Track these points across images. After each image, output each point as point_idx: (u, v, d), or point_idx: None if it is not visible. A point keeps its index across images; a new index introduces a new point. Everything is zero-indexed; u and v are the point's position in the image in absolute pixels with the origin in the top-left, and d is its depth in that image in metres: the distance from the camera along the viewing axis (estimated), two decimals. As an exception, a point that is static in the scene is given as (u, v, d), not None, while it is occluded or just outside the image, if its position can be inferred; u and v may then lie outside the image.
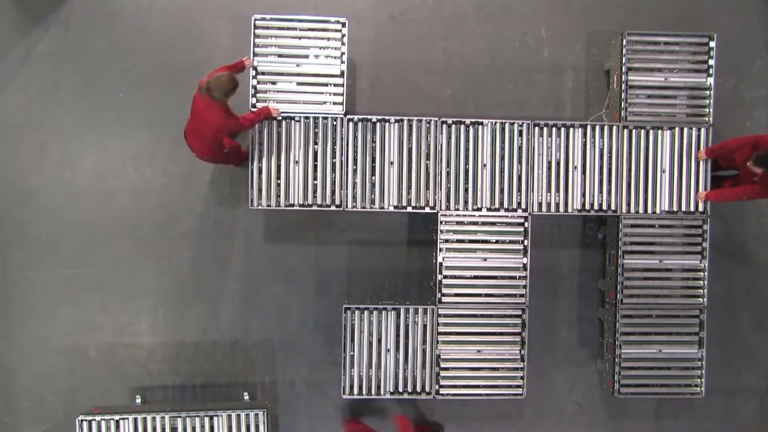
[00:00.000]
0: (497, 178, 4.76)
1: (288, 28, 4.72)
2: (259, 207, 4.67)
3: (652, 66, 4.86)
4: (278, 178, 4.68)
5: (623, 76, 4.82)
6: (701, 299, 4.89)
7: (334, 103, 4.72)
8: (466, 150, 4.75)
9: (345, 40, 4.70)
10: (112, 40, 5.17)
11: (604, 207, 4.83)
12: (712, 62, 4.85)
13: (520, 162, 4.78)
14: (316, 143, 4.69)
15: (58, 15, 5.12)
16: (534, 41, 5.30)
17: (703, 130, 4.85)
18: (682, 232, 4.90)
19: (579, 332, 5.35)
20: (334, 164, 4.70)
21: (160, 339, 5.21)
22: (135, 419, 4.70)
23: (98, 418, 4.70)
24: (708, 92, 4.87)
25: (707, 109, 4.87)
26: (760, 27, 5.43)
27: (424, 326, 4.78)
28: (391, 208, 4.72)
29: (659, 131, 4.84)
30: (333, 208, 4.71)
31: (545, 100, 5.33)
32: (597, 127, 4.82)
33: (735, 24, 5.42)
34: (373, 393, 4.76)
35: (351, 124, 4.69)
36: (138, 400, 5.09)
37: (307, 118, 4.67)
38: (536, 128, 4.78)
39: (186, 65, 5.18)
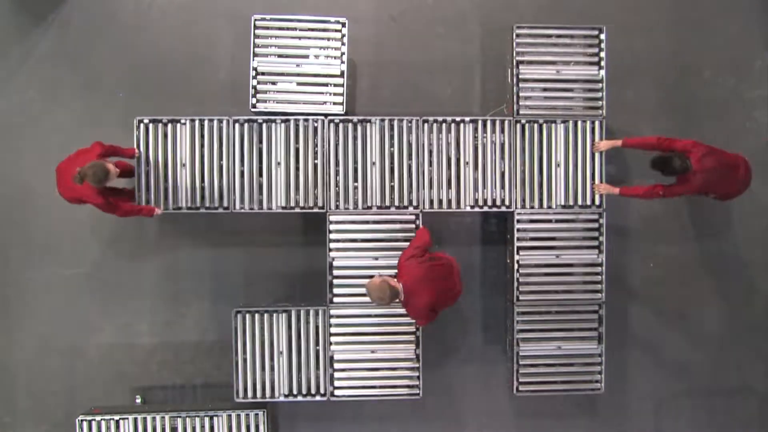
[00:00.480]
0: (387, 176, 4.71)
1: (288, 29, 4.71)
2: (147, 210, 4.64)
3: (544, 59, 4.80)
4: (165, 180, 4.65)
5: (514, 70, 4.77)
6: (600, 294, 4.81)
7: (334, 103, 4.70)
8: (355, 148, 4.70)
9: (345, 40, 4.68)
10: (112, 40, 5.18)
11: (498, 203, 4.78)
12: (603, 54, 4.78)
13: (410, 159, 4.73)
14: (202, 146, 4.66)
15: (58, 15, 5.13)
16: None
17: (597, 123, 4.79)
18: (580, 226, 4.83)
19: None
20: (221, 166, 4.67)
21: (160, 339, 5.20)
22: (135, 419, 4.74)
23: (98, 418, 4.73)
24: (600, 85, 4.80)
25: (600, 102, 4.81)
26: (760, 27, 5.40)
27: (317, 327, 4.73)
28: (279, 209, 4.69)
29: (553, 125, 4.78)
30: (221, 210, 4.68)
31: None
32: (489, 122, 4.76)
33: (735, 24, 5.38)
34: (267, 396, 4.71)
35: (237, 125, 4.66)
36: (138, 401, 5.11)
37: (192, 120, 4.64)
38: (425, 124, 4.73)
39: (186, 65, 5.19)
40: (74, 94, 5.16)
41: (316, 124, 4.68)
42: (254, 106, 4.68)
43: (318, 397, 4.73)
